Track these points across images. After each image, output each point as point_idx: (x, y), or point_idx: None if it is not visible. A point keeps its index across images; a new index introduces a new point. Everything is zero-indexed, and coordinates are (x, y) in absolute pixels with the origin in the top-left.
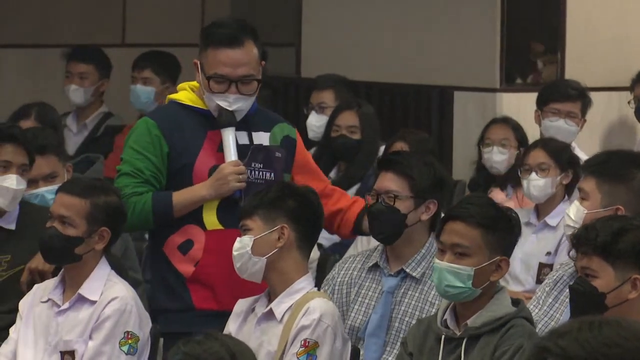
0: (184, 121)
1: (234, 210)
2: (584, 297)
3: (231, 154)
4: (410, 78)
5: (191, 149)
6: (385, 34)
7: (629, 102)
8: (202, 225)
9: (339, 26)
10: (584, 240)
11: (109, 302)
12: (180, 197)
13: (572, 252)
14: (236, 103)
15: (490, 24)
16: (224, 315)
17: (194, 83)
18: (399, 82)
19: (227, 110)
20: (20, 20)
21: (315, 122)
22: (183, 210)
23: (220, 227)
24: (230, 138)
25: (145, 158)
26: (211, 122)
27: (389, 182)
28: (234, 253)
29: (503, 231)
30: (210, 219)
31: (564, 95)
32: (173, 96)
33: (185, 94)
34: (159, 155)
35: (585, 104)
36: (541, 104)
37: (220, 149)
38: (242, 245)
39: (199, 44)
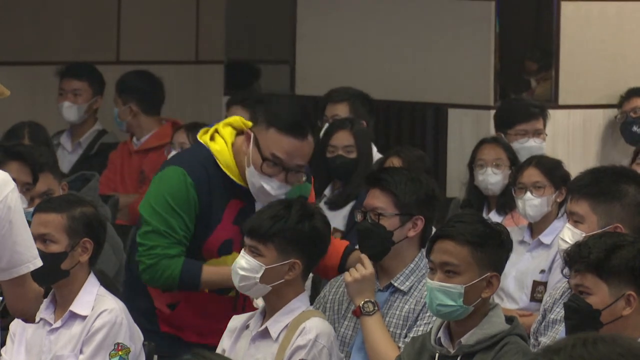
0: (213, 186)
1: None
2: (579, 315)
3: None
4: (405, 95)
5: (213, 218)
6: (379, 52)
7: (615, 117)
8: None
9: (334, 44)
10: (577, 257)
11: (99, 315)
12: (210, 276)
13: (566, 270)
14: (278, 190)
15: (484, 41)
16: (187, 345)
17: (235, 124)
18: (393, 100)
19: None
20: (15, 38)
21: None
22: (209, 287)
23: (205, 290)
24: None
25: (179, 217)
26: (236, 191)
27: (375, 199)
28: (239, 271)
29: (492, 247)
30: None
31: (528, 114)
32: (213, 148)
33: (225, 154)
34: (192, 216)
35: (545, 118)
36: (504, 126)
37: (235, 221)
38: (250, 268)
39: (258, 115)
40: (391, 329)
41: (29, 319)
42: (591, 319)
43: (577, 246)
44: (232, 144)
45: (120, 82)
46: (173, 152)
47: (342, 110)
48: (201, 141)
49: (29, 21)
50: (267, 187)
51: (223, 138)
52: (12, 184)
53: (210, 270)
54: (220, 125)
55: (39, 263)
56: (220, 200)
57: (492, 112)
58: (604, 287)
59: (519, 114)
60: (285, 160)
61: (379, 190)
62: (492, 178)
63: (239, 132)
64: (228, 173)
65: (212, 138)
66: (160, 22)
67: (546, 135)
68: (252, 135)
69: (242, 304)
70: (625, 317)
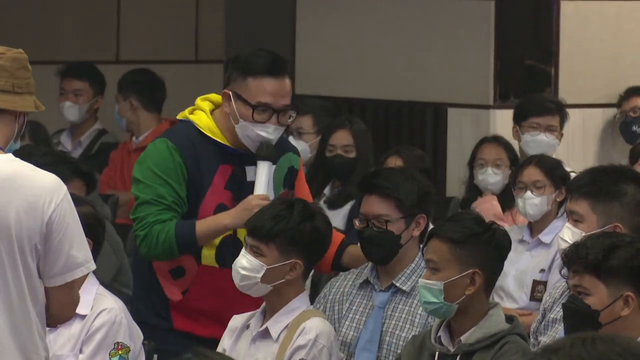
0: (200, 151)
1: (234, 251)
2: (578, 315)
3: (262, 187)
4: (404, 95)
5: (203, 183)
6: (379, 51)
7: (615, 116)
8: (197, 258)
9: (333, 43)
10: (575, 258)
11: (98, 314)
12: (204, 226)
13: (564, 271)
14: (275, 133)
15: (484, 41)
16: (203, 341)
17: (213, 99)
18: (392, 99)
19: (269, 144)
20: (13, 37)
21: None
22: (206, 240)
23: (215, 265)
24: (264, 172)
25: (166, 183)
26: (224, 155)
27: (376, 206)
28: (241, 271)
29: (476, 245)
30: (208, 254)
31: (543, 109)
32: (193, 118)
33: (205, 120)
34: (180, 181)
35: (563, 117)
36: (519, 119)
37: (227, 185)
38: (252, 268)
39: (230, 73)
40: (397, 332)
41: (55, 326)
42: (590, 320)
43: (575, 247)
44: (212, 113)
45: (121, 79)
46: None
47: (305, 123)
48: (181, 117)
49: (29, 21)
50: (263, 134)
51: (202, 109)
52: (65, 188)
53: (203, 222)
54: (198, 100)
55: (92, 267)
56: (208, 164)
57: (492, 111)
58: (602, 288)
59: (533, 107)
60: (272, 103)
61: (379, 196)
62: (492, 178)
63: (217, 106)
64: (211, 136)
65: (191, 113)
66: (160, 22)
67: (562, 134)
68: (230, 93)
69: None
70: (624, 318)
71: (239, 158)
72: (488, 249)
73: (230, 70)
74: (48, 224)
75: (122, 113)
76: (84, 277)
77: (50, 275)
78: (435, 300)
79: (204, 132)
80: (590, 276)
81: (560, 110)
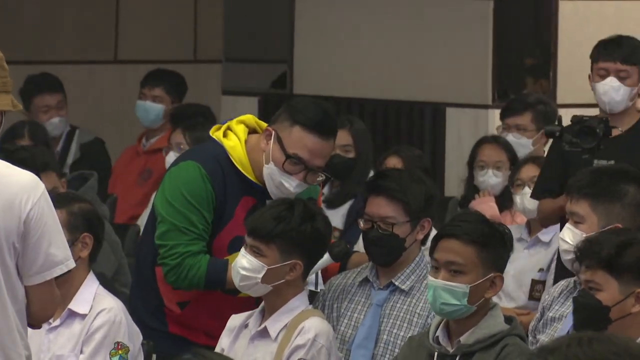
0: (228, 182)
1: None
2: (588, 310)
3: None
4: (403, 95)
5: (225, 213)
6: (377, 51)
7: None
8: None
9: (331, 43)
10: (588, 253)
11: (98, 314)
12: None
13: (576, 265)
14: (297, 188)
15: (483, 40)
16: (194, 346)
17: (248, 122)
18: (391, 99)
19: (346, 246)
20: (12, 37)
21: None
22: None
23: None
24: (323, 262)
25: (197, 211)
26: (248, 188)
27: (383, 208)
28: (241, 271)
29: (496, 247)
30: None
31: (509, 109)
32: (226, 144)
33: (238, 151)
34: (210, 209)
35: (538, 115)
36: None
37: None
38: (252, 268)
39: (280, 113)
40: (395, 331)
41: (38, 325)
42: (600, 315)
43: (589, 242)
44: (246, 142)
45: (178, 81)
46: (171, 154)
47: None
48: (214, 137)
49: (29, 21)
50: (286, 184)
51: (236, 135)
52: (43, 186)
53: None
54: (233, 123)
55: (72, 264)
56: (233, 196)
57: (491, 111)
58: (614, 284)
59: (504, 108)
60: (308, 160)
61: (387, 198)
62: (493, 180)
63: (251, 130)
64: (241, 169)
65: (224, 135)
66: (159, 22)
67: (538, 133)
68: (273, 132)
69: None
70: (634, 315)
71: (262, 192)
72: (502, 251)
73: (282, 111)
74: (25, 222)
75: (165, 115)
76: (83, 276)
77: (30, 274)
78: (457, 302)
79: (235, 163)
80: (602, 272)
81: (529, 107)
